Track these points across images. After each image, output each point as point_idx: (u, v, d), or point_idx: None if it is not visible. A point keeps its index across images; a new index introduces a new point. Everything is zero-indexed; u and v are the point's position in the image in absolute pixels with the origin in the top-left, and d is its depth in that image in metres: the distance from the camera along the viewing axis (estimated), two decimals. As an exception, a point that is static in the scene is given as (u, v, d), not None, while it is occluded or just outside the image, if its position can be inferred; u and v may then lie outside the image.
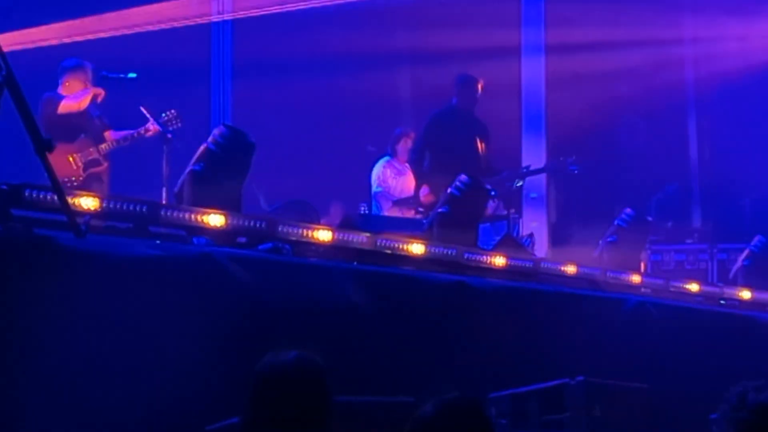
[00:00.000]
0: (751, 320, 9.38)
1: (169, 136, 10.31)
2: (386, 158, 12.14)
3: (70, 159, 10.29)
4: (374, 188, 12.04)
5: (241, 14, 15.61)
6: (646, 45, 14.45)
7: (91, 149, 10.41)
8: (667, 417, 6.60)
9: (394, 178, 12.03)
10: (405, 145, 12.17)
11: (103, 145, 10.47)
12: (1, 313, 5.08)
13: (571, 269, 8.72)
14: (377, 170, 12.09)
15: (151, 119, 10.37)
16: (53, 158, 5.34)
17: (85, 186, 9.86)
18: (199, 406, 5.47)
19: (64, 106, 10.32)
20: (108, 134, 10.61)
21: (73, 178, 10.10)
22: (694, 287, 9.74)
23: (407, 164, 12.23)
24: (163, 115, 10.44)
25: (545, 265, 8.68)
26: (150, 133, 10.43)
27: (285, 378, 3.92)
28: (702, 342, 8.60)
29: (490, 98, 14.23)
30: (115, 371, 5.31)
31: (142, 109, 10.37)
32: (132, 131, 10.56)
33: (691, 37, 14.96)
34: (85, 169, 10.36)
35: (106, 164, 10.52)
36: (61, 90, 10.61)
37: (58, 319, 5.14)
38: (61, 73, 10.67)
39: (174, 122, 10.45)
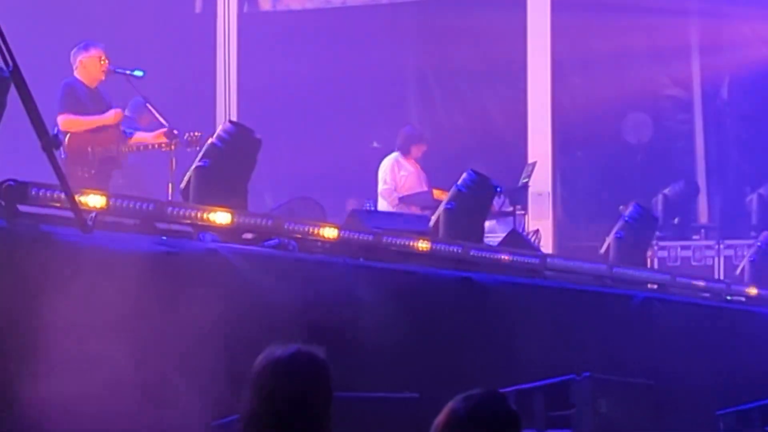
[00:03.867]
0: (757, 316, 9.37)
1: (176, 132, 10.04)
2: (396, 154, 12.10)
3: (89, 150, 9.85)
4: (381, 184, 12.00)
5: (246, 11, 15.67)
6: (652, 38, 14.44)
7: (111, 146, 10.02)
8: (673, 413, 6.59)
9: (402, 175, 12.01)
10: (420, 148, 12.15)
11: (124, 147, 10.04)
12: (7, 308, 5.08)
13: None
14: (385, 166, 12.04)
15: (173, 136, 9.96)
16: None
17: (93, 183, 9.06)
18: (205, 402, 5.47)
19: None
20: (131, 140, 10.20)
21: (84, 169, 9.50)
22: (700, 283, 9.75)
23: (416, 162, 12.21)
24: (186, 135, 9.87)
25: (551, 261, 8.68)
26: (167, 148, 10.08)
27: (284, 372, 3.89)
28: (708, 338, 8.59)
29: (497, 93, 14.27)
30: (120, 366, 5.31)
31: (149, 106, 10.09)
32: (151, 141, 10.15)
33: (697, 29, 14.93)
34: (101, 164, 9.86)
35: (122, 166, 10.06)
36: (77, 73, 10.21)
37: (64, 314, 5.14)
38: (74, 56, 10.30)
39: (194, 143, 9.84)
